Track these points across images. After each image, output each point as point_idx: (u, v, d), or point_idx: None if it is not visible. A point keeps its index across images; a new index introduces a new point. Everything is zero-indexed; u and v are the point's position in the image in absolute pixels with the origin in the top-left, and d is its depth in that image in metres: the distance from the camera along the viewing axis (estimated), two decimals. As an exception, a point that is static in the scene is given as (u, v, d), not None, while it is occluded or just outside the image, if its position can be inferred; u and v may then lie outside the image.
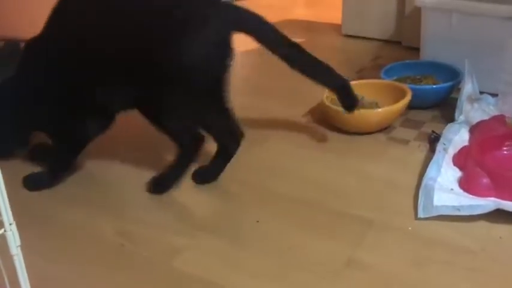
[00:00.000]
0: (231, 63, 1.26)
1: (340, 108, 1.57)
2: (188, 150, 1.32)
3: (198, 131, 1.32)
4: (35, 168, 1.45)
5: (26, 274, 0.80)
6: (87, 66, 1.26)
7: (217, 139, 1.37)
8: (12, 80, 1.38)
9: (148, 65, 1.21)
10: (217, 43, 1.24)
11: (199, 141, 1.32)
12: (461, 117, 1.56)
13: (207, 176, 1.38)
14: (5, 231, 0.76)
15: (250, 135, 1.40)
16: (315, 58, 1.36)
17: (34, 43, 1.34)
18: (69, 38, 1.27)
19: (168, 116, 1.27)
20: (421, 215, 1.22)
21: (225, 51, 1.25)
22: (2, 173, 0.74)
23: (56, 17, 1.30)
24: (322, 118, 1.65)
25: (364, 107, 1.61)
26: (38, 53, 1.34)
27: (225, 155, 1.38)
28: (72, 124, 1.36)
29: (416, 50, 1.95)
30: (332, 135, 1.58)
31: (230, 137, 1.37)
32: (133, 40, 1.21)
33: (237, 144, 1.38)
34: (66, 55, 1.27)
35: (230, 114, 1.35)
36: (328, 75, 1.39)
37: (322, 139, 1.58)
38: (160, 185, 1.34)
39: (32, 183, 1.39)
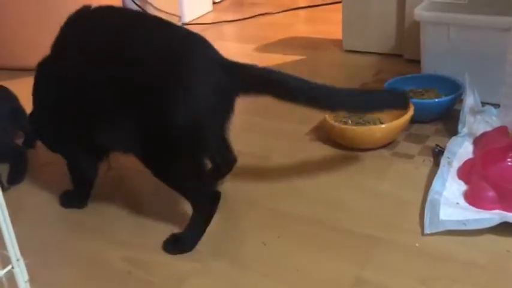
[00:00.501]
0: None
1: (344, 126, 1.59)
2: (202, 209, 1.24)
3: (213, 186, 1.26)
4: (39, 197, 1.46)
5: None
6: (82, 96, 1.23)
7: (211, 161, 1.38)
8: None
9: (145, 114, 1.16)
10: (219, 107, 1.20)
11: (216, 199, 1.24)
12: (465, 130, 1.56)
13: None
14: (12, 267, 0.77)
15: (254, 153, 1.41)
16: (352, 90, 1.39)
17: (43, 63, 1.34)
18: (70, 64, 1.26)
19: (169, 173, 1.22)
20: (427, 230, 1.22)
21: (226, 114, 1.23)
22: (6, 205, 0.75)
23: (61, 38, 1.30)
24: (325, 135, 1.66)
25: (367, 123, 1.62)
26: (44, 73, 1.34)
27: (217, 175, 1.41)
28: (73, 151, 1.37)
29: (418, 62, 1.95)
30: (336, 153, 1.59)
31: (223, 161, 1.40)
32: (130, 83, 1.17)
33: (229, 169, 1.42)
34: (66, 80, 1.26)
35: (226, 143, 1.37)
36: (382, 99, 1.37)
37: (326, 157, 1.58)
38: (177, 246, 1.24)
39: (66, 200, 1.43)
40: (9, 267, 0.77)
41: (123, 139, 1.22)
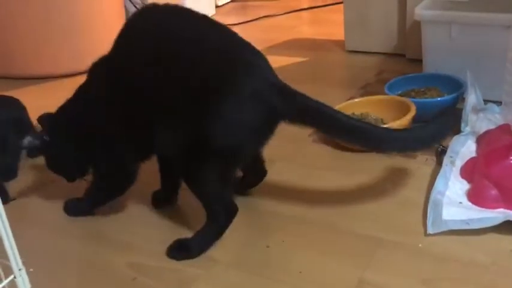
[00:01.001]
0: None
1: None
2: (218, 219, 1.24)
3: (232, 200, 1.24)
4: (43, 207, 1.47)
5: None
6: (138, 96, 1.21)
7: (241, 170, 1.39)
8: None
9: (191, 118, 1.15)
10: (263, 129, 1.19)
11: (233, 212, 1.24)
12: (467, 129, 1.55)
13: None
14: (14, 277, 0.78)
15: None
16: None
17: (100, 62, 1.31)
18: (128, 62, 1.23)
19: (197, 179, 1.22)
20: (430, 231, 1.21)
21: (268, 136, 1.21)
22: (7, 214, 0.76)
23: (120, 39, 1.27)
24: (328, 137, 1.66)
25: (369, 124, 1.62)
26: (101, 71, 1.30)
27: (244, 185, 1.43)
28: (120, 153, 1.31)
29: (420, 62, 1.95)
30: (338, 154, 1.59)
31: (252, 172, 1.42)
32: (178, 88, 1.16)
33: (257, 180, 1.42)
34: (124, 79, 1.23)
35: (259, 157, 1.37)
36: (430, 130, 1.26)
37: (329, 158, 1.59)
38: (182, 252, 1.24)
39: (72, 209, 1.42)
40: (11, 277, 0.77)
41: (168, 140, 1.20)
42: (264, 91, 1.14)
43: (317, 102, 1.17)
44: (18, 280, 0.77)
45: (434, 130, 1.25)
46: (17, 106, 1.71)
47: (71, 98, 1.35)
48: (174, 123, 1.17)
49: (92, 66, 1.32)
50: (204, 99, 1.13)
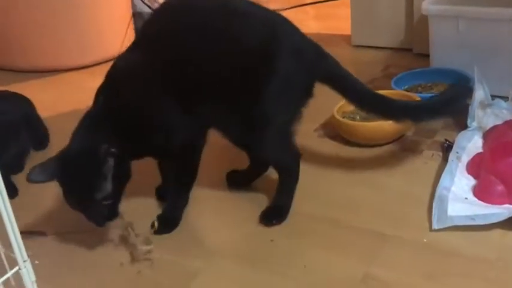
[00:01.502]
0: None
1: (351, 121, 1.59)
2: (294, 174, 1.31)
3: (294, 145, 1.30)
4: (44, 191, 1.46)
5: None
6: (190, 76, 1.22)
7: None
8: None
9: (243, 91, 1.21)
10: (307, 86, 1.27)
11: (299, 156, 1.32)
12: (474, 124, 1.54)
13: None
14: (19, 269, 0.78)
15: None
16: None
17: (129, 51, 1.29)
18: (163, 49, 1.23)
19: (266, 144, 1.26)
20: (435, 226, 1.21)
21: (309, 95, 1.28)
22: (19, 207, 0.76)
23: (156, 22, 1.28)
24: (334, 132, 1.66)
25: (375, 119, 1.61)
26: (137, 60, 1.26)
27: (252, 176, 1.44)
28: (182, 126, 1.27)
29: (427, 56, 1.94)
30: (344, 149, 1.59)
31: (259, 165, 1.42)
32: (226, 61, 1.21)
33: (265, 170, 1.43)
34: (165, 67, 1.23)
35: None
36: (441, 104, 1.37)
37: (334, 153, 1.58)
38: (273, 216, 1.30)
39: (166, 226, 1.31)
40: (16, 268, 0.78)
41: (222, 117, 1.24)
42: (304, 49, 1.25)
43: (345, 69, 1.31)
44: (23, 271, 0.78)
45: (447, 99, 1.36)
46: (26, 103, 1.72)
47: (104, 106, 1.25)
48: (231, 95, 1.21)
49: (121, 59, 1.30)
50: (257, 65, 1.20)
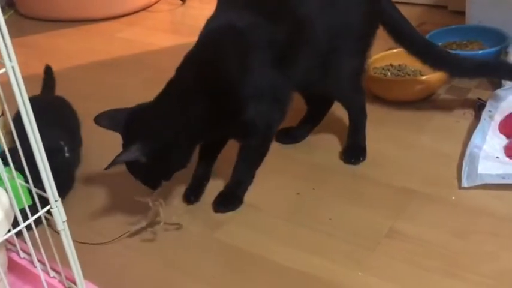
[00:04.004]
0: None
1: (384, 77, 1.56)
2: (364, 111, 1.36)
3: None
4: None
5: (73, 248, 0.83)
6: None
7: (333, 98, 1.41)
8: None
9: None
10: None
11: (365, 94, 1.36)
12: (509, 83, 1.51)
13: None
14: (51, 208, 0.79)
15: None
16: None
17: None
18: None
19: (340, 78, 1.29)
20: (464, 184, 1.20)
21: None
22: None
23: None
24: (365, 87, 1.63)
25: (407, 75, 1.59)
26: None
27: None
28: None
29: (462, 14, 1.88)
30: (374, 105, 1.56)
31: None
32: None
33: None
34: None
35: None
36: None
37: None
38: (357, 153, 1.34)
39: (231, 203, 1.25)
40: (47, 207, 0.79)
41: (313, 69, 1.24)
42: None
43: (404, 18, 1.35)
44: (54, 211, 0.79)
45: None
46: (73, 119, 1.51)
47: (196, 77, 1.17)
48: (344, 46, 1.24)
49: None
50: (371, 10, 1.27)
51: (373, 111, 1.41)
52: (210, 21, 1.21)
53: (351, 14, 1.23)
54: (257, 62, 1.16)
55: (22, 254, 0.95)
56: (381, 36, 1.33)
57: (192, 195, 1.26)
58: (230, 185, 1.25)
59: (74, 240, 0.83)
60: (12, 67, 0.70)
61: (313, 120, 1.46)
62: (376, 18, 1.30)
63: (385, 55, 1.68)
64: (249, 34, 1.16)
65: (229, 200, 1.24)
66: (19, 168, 0.87)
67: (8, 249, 0.95)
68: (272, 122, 1.22)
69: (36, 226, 0.85)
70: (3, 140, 0.88)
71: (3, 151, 0.87)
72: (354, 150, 1.35)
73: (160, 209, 1.13)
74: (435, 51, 1.40)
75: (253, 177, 1.26)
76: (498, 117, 1.39)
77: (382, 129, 1.45)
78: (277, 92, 1.20)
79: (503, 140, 1.32)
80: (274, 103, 1.20)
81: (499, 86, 1.51)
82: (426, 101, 1.55)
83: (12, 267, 0.95)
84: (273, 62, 1.17)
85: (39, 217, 0.82)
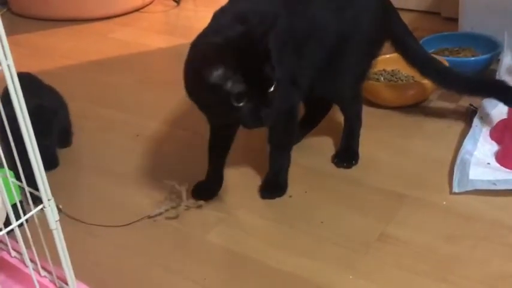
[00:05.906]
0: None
1: (376, 83, 1.57)
2: (361, 116, 1.37)
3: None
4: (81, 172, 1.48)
5: (65, 248, 0.83)
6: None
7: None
8: None
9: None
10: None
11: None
12: (501, 90, 1.52)
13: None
14: (44, 207, 0.79)
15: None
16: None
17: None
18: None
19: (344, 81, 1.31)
20: (456, 189, 1.20)
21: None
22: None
23: None
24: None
25: (399, 80, 1.60)
26: None
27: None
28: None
29: (455, 21, 1.90)
30: (367, 110, 1.56)
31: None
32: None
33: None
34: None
35: None
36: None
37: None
38: (350, 157, 1.35)
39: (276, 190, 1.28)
40: (40, 206, 0.79)
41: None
42: (390, 8, 1.35)
43: (411, 35, 1.39)
44: (47, 210, 0.79)
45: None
46: (61, 99, 1.51)
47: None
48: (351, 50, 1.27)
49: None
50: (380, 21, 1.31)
51: (366, 115, 1.42)
52: (227, 8, 1.17)
53: (361, 21, 1.26)
54: (281, 44, 1.15)
55: (13, 253, 0.95)
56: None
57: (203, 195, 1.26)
58: (272, 173, 1.28)
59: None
60: (8, 65, 0.70)
61: (309, 124, 1.46)
62: (385, 28, 1.33)
63: (379, 60, 1.68)
64: (273, 17, 1.07)
65: (273, 188, 1.27)
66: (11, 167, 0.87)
67: (-1, 248, 0.95)
68: (295, 104, 1.26)
69: (27, 221, 0.84)
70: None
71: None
72: (347, 154, 1.36)
73: (183, 193, 1.20)
74: (442, 71, 1.42)
75: (289, 158, 1.28)
76: (489, 124, 1.40)
77: (374, 133, 1.45)
78: (297, 78, 1.23)
79: (494, 147, 1.33)
80: (295, 87, 1.23)
81: (490, 92, 1.52)
82: (418, 107, 1.56)
83: (3, 266, 0.94)
84: (294, 49, 1.20)
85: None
